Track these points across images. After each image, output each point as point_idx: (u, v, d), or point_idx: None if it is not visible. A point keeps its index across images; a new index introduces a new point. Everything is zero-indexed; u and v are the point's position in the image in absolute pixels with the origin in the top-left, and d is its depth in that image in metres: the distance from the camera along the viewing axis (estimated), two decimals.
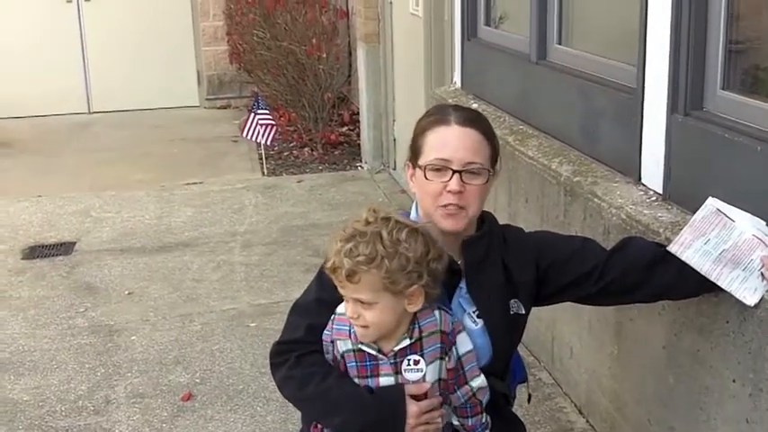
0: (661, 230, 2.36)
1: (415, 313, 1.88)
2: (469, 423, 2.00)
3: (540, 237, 2.23)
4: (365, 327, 1.86)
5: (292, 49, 6.86)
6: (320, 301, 2.00)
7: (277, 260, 4.74)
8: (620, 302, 2.35)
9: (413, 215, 2.06)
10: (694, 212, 2.04)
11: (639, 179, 2.74)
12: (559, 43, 3.50)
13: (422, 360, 1.90)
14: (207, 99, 9.05)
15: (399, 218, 1.87)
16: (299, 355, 1.98)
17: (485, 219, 2.08)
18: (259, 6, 7.30)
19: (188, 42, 8.95)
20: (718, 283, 1.98)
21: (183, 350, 3.75)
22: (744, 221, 1.98)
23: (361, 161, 6.78)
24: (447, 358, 1.93)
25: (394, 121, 6.36)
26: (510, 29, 4.09)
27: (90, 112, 8.85)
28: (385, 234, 1.80)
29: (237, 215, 5.53)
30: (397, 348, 1.89)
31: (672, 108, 2.51)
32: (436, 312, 1.92)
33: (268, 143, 6.46)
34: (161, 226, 5.36)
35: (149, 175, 6.54)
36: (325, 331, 1.97)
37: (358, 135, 7.05)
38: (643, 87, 2.67)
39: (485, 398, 2.00)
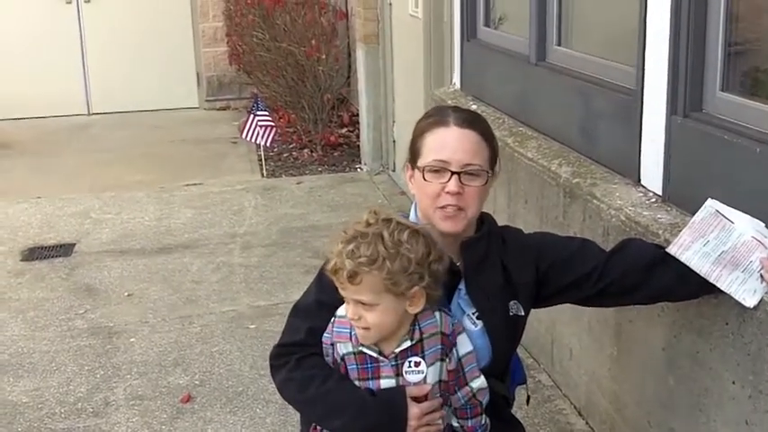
0: (660, 232, 2.36)
1: (416, 315, 1.88)
2: (469, 424, 2.00)
3: (540, 238, 2.23)
4: (366, 328, 1.86)
5: (292, 50, 6.86)
6: (320, 303, 2.00)
7: (276, 262, 4.74)
8: (619, 304, 2.35)
9: (412, 216, 2.06)
10: (693, 214, 2.04)
11: (639, 180, 2.74)
12: (559, 44, 3.50)
13: (423, 362, 1.90)
14: (206, 100, 9.05)
15: (400, 219, 1.88)
16: (300, 358, 1.98)
17: (484, 220, 2.08)
18: (258, 7, 7.30)
19: (187, 43, 8.95)
20: (718, 285, 1.98)
21: (183, 352, 3.75)
22: (743, 223, 1.98)
23: (360, 162, 6.78)
24: (448, 360, 1.93)
25: (393, 122, 6.36)
26: (509, 30, 4.09)
27: (89, 114, 8.85)
28: (386, 235, 1.81)
29: (237, 217, 5.53)
30: (398, 350, 1.89)
31: (671, 109, 2.51)
32: (437, 314, 1.92)
33: (267, 144, 6.46)
34: (160, 227, 5.36)
35: (149, 176, 6.54)
36: (324, 334, 1.97)
37: (357, 136, 7.05)
38: (642, 89, 2.67)
39: (485, 399, 2.00)
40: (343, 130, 7.43)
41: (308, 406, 2.01)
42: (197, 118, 8.69)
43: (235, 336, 3.89)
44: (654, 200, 2.62)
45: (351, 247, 1.80)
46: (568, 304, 2.28)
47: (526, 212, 3.39)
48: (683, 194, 2.49)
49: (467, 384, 1.96)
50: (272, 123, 6.44)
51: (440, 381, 1.93)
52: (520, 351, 2.27)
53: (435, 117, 2.05)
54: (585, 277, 2.07)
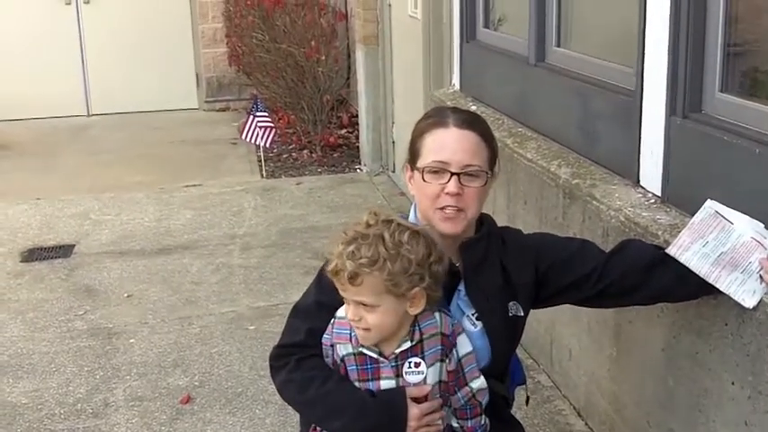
0: (660, 233, 2.36)
1: (416, 316, 1.88)
2: (469, 425, 2.00)
3: (539, 239, 2.24)
4: (367, 330, 1.86)
5: (291, 51, 6.86)
6: (320, 304, 2.00)
7: (276, 263, 4.74)
8: (618, 305, 2.35)
9: (411, 217, 2.06)
10: (693, 215, 2.04)
11: (638, 181, 2.74)
12: (558, 45, 3.50)
13: (422, 362, 1.90)
14: (206, 101, 9.06)
15: (400, 220, 1.88)
16: (300, 359, 1.98)
17: (483, 221, 2.09)
18: (258, 8, 7.30)
19: (187, 44, 8.96)
20: (717, 286, 1.98)
21: (182, 353, 3.75)
22: (742, 224, 1.98)
23: (360, 163, 6.78)
24: (447, 360, 1.93)
25: (393, 123, 6.36)
26: (508, 31, 4.10)
27: (89, 115, 8.85)
28: (387, 236, 1.81)
29: (236, 218, 5.53)
30: (398, 351, 1.90)
31: (670, 110, 2.51)
32: (436, 314, 1.92)
33: (267, 145, 6.46)
34: (160, 228, 5.36)
35: (148, 177, 6.54)
36: (324, 335, 1.97)
37: (357, 137, 7.05)
38: (642, 90, 2.68)
39: (484, 399, 2.00)
40: (343, 131, 7.44)
41: (308, 407, 2.01)
42: (196, 119, 8.69)
43: (234, 337, 3.89)
44: (653, 201, 2.62)
45: (351, 248, 1.80)
46: (568, 305, 2.28)
47: (525, 213, 3.39)
48: (682, 195, 2.49)
49: (466, 385, 1.96)
50: (272, 124, 6.44)
51: (440, 381, 1.93)
52: (519, 351, 2.27)
53: (435, 118, 2.05)
54: (585, 278, 2.07)
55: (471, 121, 2.03)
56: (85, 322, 4.07)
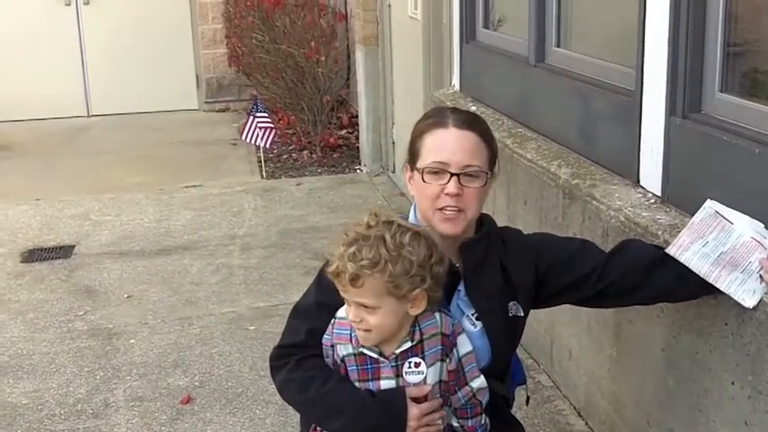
0: (660, 233, 2.36)
1: (416, 316, 1.89)
2: (469, 424, 2.00)
3: (539, 239, 2.24)
4: (367, 330, 1.86)
5: (291, 52, 6.86)
6: (320, 304, 2.00)
7: (276, 263, 4.74)
8: (618, 305, 2.35)
9: (411, 218, 2.06)
10: (693, 215, 2.04)
11: (638, 181, 2.75)
12: (558, 46, 3.50)
13: (422, 362, 1.90)
14: (206, 102, 9.06)
15: (401, 221, 1.88)
16: (300, 359, 1.99)
17: (483, 221, 2.09)
18: (258, 9, 7.30)
19: (187, 45, 8.96)
20: (717, 286, 1.98)
21: (182, 353, 3.75)
22: (742, 224, 1.98)
23: (360, 164, 6.78)
24: (448, 360, 1.93)
25: (393, 123, 6.36)
26: (508, 31, 4.10)
27: (89, 116, 8.85)
28: (388, 238, 1.80)
29: (236, 218, 5.53)
30: (398, 351, 1.90)
31: (670, 110, 2.51)
32: (437, 315, 1.92)
33: (267, 146, 6.46)
34: (160, 229, 5.36)
35: (148, 178, 6.54)
36: (324, 335, 1.97)
37: (357, 138, 7.05)
38: (641, 90, 2.68)
39: (484, 399, 2.00)
40: (343, 132, 7.44)
41: (308, 407, 2.01)
42: (196, 120, 8.69)
43: (234, 337, 3.89)
44: (653, 201, 2.62)
45: (352, 249, 1.80)
46: (568, 305, 2.28)
47: (525, 213, 3.39)
48: (682, 195, 2.49)
49: (467, 384, 1.97)
50: (272, 125, 6.44)
51: (440, 381, 1.93)
52: (519, 351, 2.27)
53: (434, 118, 2.05)
54: (585, 278, 2.07)
55: (471, 122, 2.03)
56: (86, 323, 4.07)
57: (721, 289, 1.98)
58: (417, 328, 1.89)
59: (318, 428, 2.03)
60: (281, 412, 3.21)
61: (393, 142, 6.36)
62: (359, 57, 6.58)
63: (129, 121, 8.55)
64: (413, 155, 2.03)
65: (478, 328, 2.02)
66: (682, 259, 1.99)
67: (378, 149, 6.58)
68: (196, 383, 3.50)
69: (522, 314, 2.08)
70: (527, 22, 3.62)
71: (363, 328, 1.86)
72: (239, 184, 6.32)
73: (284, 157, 7.08)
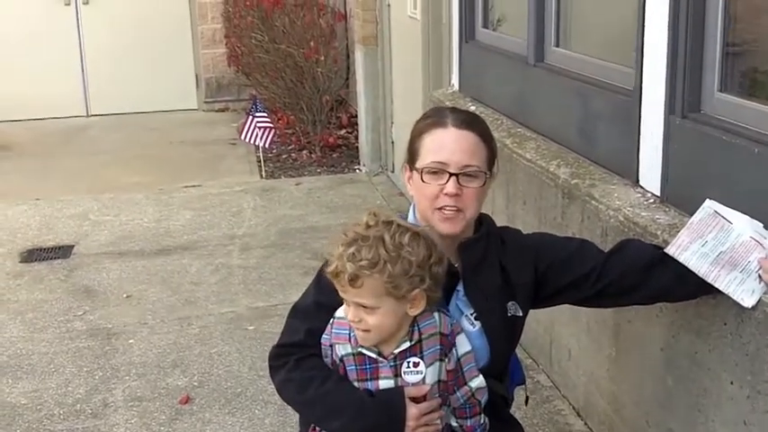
0: (659, 232, 2.36)
1: (415, 316, 1.88)
2: (468, 424, 2.00)
3: (538, 238, 2.24)
4: (366, 331, 1.86)
5: (290, 51, 6.86)
6: (319, 304, 2.00)
7: (275, 263, 4.74)
8: (618, 304, 2.35)
9: (410, 218, 2.06)
10: (692, 214, 2.04)
11: (637, 181, 2.75)
12: (557, 45, 3.50)
13: (421, 362, 1.90)
14: (205, 102, 9.05)
15: (400, 221, 1.87)
16: (299, 359, 1.99)
17: (482, 221, 2.08)
18: (257, 9, 7.30)
19: (186, 45, 8.96)
20: (716, 285, 1.98)
21: (182, 353, 3.75)
22: (741, 223, 1.98)
23: (359, 164, 6.78)
24: (447, 360, 1.93)
25: (392, 123, 6.36)
26: (507, 31, 4.10)
27: (88, 115, 8.85)
28: (387, 238, 1.80)
29: (236, 218, 5.53)
30: (397, 351, 1.90)
31: (669, 110, 2.51)
32: (435, 314, 1.92)
33: (266, 146, 6.46)
34: (159, 229, 5.36)
35: (147, 177, 6.54)
36: (323, 335, 1.97)
37: (356, 138, 7.05)
38: (641, 89, 2.68)
39: (483, 398, 2.00)
40: (342, 132, 7.44)
41: (307, 407, 2.01)
42: (196, 119, 8.69)
43: (233, 337, 3.89)
44: (652, 200, 2.62)
45: (352, 250, 1.80)
46: (567, 305, 2.28)
47: (525, 213, 3.39)
48: (681, 195, 2.49)
49: (466, 384, 1.97)
50: (271, 125, 6.44)
51: (439, 381, 1.93)
52: (518, 351, 2.27)
53: (433, 118, 2.05)
54: (584, 278, 2.07)
55: (470, 122, 2.03)
56: (85, 323, 4.07)
57: (720, 288, 1.98)
58: (416, 327, 1.89)
59: (317, 428, 2.03)
60: (281, 412, 3.20)
61: (392, 142, 6.36)
62: (358, 56, 6.58)
63: (128, 120, 8.55)
64: (412, 155, 2.03)
65: (477, 327, 2.02)
66: (681, 259, 1.99)
67: (377, 149, 6.58)
68: (195, 383, 3.50)
69: (521, 314, 2.08)
70: (526, 21, 3.62)
71: (362, 328, 1.86)
72: (238, 183, 6.32)
73: (283, 156, 7.08)
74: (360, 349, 1.91)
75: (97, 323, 4.06)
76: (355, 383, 1.93)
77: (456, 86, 4.58)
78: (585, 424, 3.07)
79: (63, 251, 5.00)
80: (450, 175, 1.95)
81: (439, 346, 1.91)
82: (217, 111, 8.97)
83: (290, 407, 2.12)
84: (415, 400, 1.91)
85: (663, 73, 2.52)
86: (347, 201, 5.88)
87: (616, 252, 2.11)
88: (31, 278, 4.62)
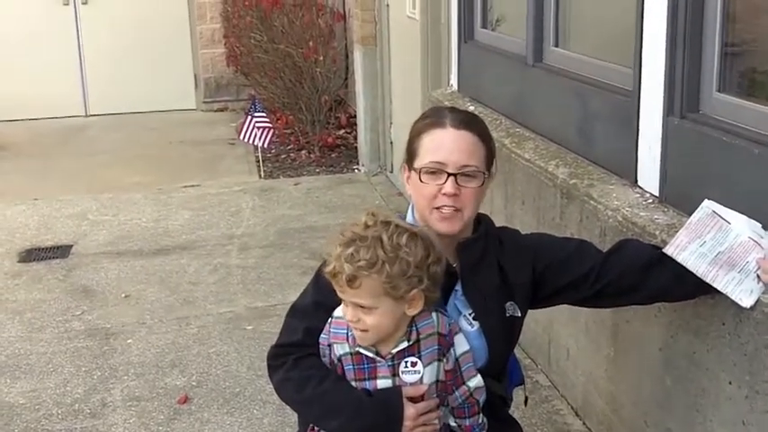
0: (657, 233, 2.36)
1: (413, 316, 1.88)
2: (467, 423, 2.00)
3: (537, 239, 2.24)
4: (365, 330, 1.86)
5: (289, 51, 6.86)
6: (317, 304, 2.00)
7: (274, 263, 4.74)
8: (616, 305, 2.35)
9: (409, 218, 2.06)
10: (690, 215, 2.04)
11: (636, 181, 2.75)
12: (556, 46, 3.50)
13: (419, 362, 1.90)
14: (204, 102, 9.05)
15: (399, 222, 1.87)
16: (297, 358, 1.99)
17: (481, 221, 2.08)
18: (256, 9, 7.30)
19: (185, 45, 8.96)
20: (714, 285, 1.98)
21: (180, 353, 3.75)
22: (740, 224, 1.98)
23: (358, 164, 6.78)
24: (445, 360, 1.93)
25: (391, 123, 6.36)
26: (506, 31, 4.10)
27: (87, 115, 8.85)
28: (385, 238, 1.80)
29: (234, 218, 5.53)
30: (394, 351, 1.90)
31: (668, 110, 2.51)
32: (434, 315, 1.92)
33: (265, 146, 6.46)
34: (158, 229, 5.36)
35: (146, 177, 6.54)
36: (322, 335, 1.97)
37: (355, 138, 7.05)
38: (639, 90, 2.68)
39: (482, 398, 2.00)
40: (341, 132, 7.44)
41: (305, 406, 2.01)
42: (194, 119, 8.69)
43: (232, 337, 3.89)
44: (651, 201, 2.62)
45: (350, 250, 1.80)
46: (565, 305, 2.28)
47: (523, 213, 3.39)
48: (679, 195, 2.49)
49: (464, 383, 1.97)
50: (270, 125, 6.44)
51: (437, 381, 1.93)
52: (517, 351, 2.27)
53: (432, 118, 2.05)
54: (583, 278, 2.07)
55: (468, 122, 2.03)
56: (83, 323, 4.07)
57: (718, 289, 1.98)
58: (414, 327, 1.89)
59: (316, 428, 2.03)
60: (279, 412, 3.20)
61: (391, 142, 6.36)
62: (357, 56, 6.58)
63: (126, 120, 8.55)
64: (410, 155, 2.03)
65: (475, 327, 2.02)
66: (679, 259, 1.99)
67: (376, 149, 6.58)
68: (193, 383, 3.49)
69: (520, 314, 2.07)
70: (525, 21, 3.62)
71: (360, 327, 1.86)
72: (237, 183, 6.32)
73: (282, 156, 7.08)
74: (358, 349, 1.91)
75: (95, 323, 4.06)
76: (353, 383, 1.93)
77: (455, 86, 4.58)
78: (584, 424, 3.07)
79: (61, 251, 5.00)
80: (449, 174, 1.95)
81: (437, 346, 1.91)
82: (216, 111, 8.98)
83: (288, 406, 2.13)
84: (413, 399, 1.91)
85: (661, 73, 2.52)
86: (346, 201, 5.88)
87: (614, 252, 2.11)
88: (29, 278, 4.62)
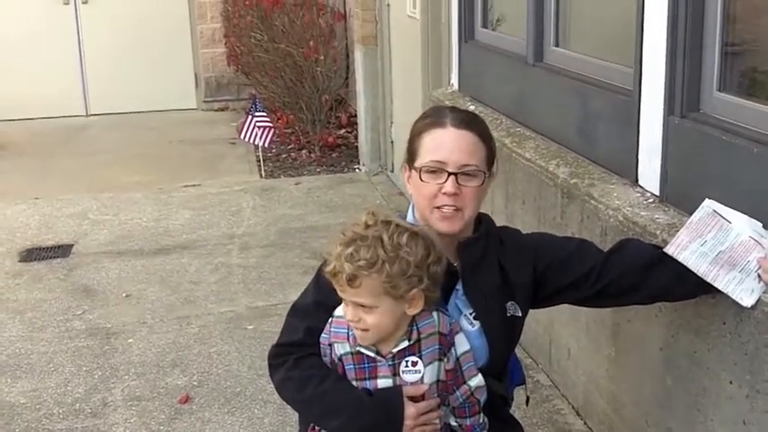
0: (658, 232, 2.36)
1: (414, 315, 1.88)
2: (467, 423, 2.00)
3: (538, 238, 2.23)
4: (365, 330, 1.86)
5: (290, 51, 6.86)
6: (318, 303, 2.00)
7: (275, 262, 4.74)
8: (617, 304, 2.36)
9: (409, 217, 2.06)
10: (691, 214, 2.04)
11: (636, 181, 2.75)
12: (556, 45, 3.50)
13: (420, 361, 1.90)
14: (204, 101, 9.06)
15: (399, 221, 1.87)
16: (298, 358, 1.99)
17: (482, 220, 2.09)
18: (256, 9, 7.31)
19: (186, 44, 8.96)
20: (715, 285, 1.98)
21: (181, 353, 3.75)
22: (740, 223, 1.98)
23: (358, 163, 6.78)
24: (446, 359, 1.93)
25: (391, 123, 6.36)
26: (507, 31, 4.10)
27: (87, 115, 8.85)
28: (386, 238, 1.80)
29: (235, 217, 5.53)
30: (395, 350, 1.90)
31: (668, 110, 2.51)
32: (434, 314, 1.92)
33: (266, 145, 6.46)
34: (159, 228, 5.36)
35: (147, 177, 6.54)
36: (322, 334, 1.97)
37: (356, 137, 7.05)
38: (640, 89, 2.68)
39: (482, 397, 2.00)
40: (342, 131, 7.44)
41: (306, 406, 2.01)
42: (195, 119, 8.69)
43: (233, 336, 3.89)
44: (651, 200, 2.62)
45: (350, 250, 1.80)
46: (566, 304, 2.28)
47: (524, 213, 3.39)
48: (680, 195, 2.50)
49: (465, 383, 1.97)
50: (271, 124, 6.44)
51: (438, 381, 1.93)
52: (518, 351, 2.27)
53: (432, 117, 2.05)
54: (583, 278, 2.07)
55: (469, 121, 2.03)
56: (84, 322, 4.07)
57: (719, 288, 1.98)
58: (415, 327, 1.89)
59: (317, 427, 2.03)
60: (280, 411, 3.21)
61: (392, 142, 6.36)
62: (358, 56, 6.58)
63: (127, 120, 8.55)
64: (411, 154, 2.03)
65: (476, 327, 2.02)
66: (680, 258, 1.99)
67: (376, 149, 6.58)
68: (194, 383, 3.50)
69: (521, 314, 2.07)
70: (525, 21, 3.62)
71: (361, 327, 1.86)
72: (238, 183, 6.32)
73: (283, 156, 7.08)
74: (358, 348, 1.91)
75: (96, 322, 4.06)
76: (354, 382, 1.93)
77: (455, 86, 4.58)
78: (585, 423, 3.07)
79: (62, 250, 5.00)
80: (449, 174, 1.95)
81: (437, 346, 1.91)
82: (216, 110, 8.98)
83: (289, 406, 2.12)
84: (414, 399, 1.91)
85: (662, 73, 2.52)
86: (346, 200, 5.88)
87: (615, 252, 2.11)
88: (30, 277, 4.62)
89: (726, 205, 2.01)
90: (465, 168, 1.96)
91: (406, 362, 1.90)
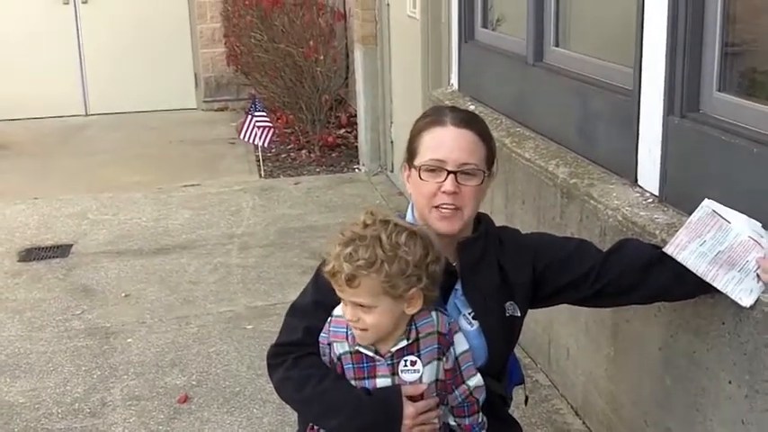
0: (657, 232, 2.36)
1: (413, 315, 1.88)
2: (466, 422, 2.00)
3: (537, 238, 2.23)
4: (364, 330, 1.86)
5: (290, 51, 6.86)
6: (317, 303, 2.00)
7: (274, 262, 4.74)
8: (616, 304, 2.35)
9: (409, 217, 2.06)
10: (690, 214, 2.04)
11: (636, 181, 2.75)
12: (556, 45, 3.50)
13: (418, 361, 1.90)
14: (204, 101, 9.06)
15: (398, 220, 1.87)
16: (297, 357, 1.99)
17: (481, 220, 2.08)
18: (256, 8, 7.30)
19: (185, 44, 8.96)
20: (714, 285, 1.98)
21: (180, 352, 3.75)
22: (739, 223, 1.98)
23: (358, 163, 6.78)
24: (444, 359, 1.93)
25: (391, 123, 6.36)
26: (507, 31, 4.10)
27: (87, 115, 8.85)
28: (384, 238, 1.80)
29: (234, 217, 5.53)
30: (394, 349, 1.90)
31: (668, 110, 2.51)
32: (433, 314, 1.92)
33: (265, 145, 6.46)
34: (158, 228, 5.36)
35: (146, 177, 6.54)
36: (321, 334, 1.97)
37: (355, 137, 7.05)
38: (639, 89, 2.68)
39: (481, 397, 2.00)
40: (341, 131, 7.44)
41: (305, 405, 2.01)
42: (195, 119, 8.69)
43: (232, 336, 3.89)
44: (651, 200, 2.62)
45: (349, 250, 1.80)
46: (565, 304, 2.28)
47: (523, 213, 3.39)
48: (679, 195, 2.49)
49: (464, 382, 1.96)
50: (270, 124, 6.44)
51: (436, 380, 1.93)
52: (517, 351, 2.27)
53: (432, 117, 2.05)
54: (583, 278, 2.07)
55: (469, 120, 2.03)
56: (83, 322, 4.07)
57: (718, 288, 1.98)
58: (413, 326, 1.89)
59: (315, 427, 2.03)
60: (279, 411, 3.20)
61: (391, 141, 6.36)
62: (357, 56, 6.58)
63: (127, 120, 8.55)
64: (411, 153, 2.04)
65: (475, 327, 2.02)
66: (679, 258, 1.99)
67: (376, 149, 6.58)
68: (193, 382, 3.50)
69: (520, 314, 2.07)
70: (525, 21, 3.62)
71: (360, 326, 1.86)
72: (237, 183, 6.32)
73: (282, 156, 7.08)
74: (357, 347, 1.91)
75: (95, 322, 4.06)
76: (353, 382, 1.93)
77: (455, 86, 4.58)
78: (584, 423, 3.07)
79: (61, 250, 5.00)
80: (449, 172, 1.95)
81: (436, 345, 1.91)
82: (216, 110, 8.98)
83: (288, 405, 2.12)
84: (413, 398, 1.91)
85: (662, 73, 2.52)
86: (346, 200, 5.88)
87: (615, 252, 2.11)
88: (29, 277, 4.62)
89: (725, 205, 2.01)
90: (464, 167, 1.96)
91: (405, 361, 1.90)
